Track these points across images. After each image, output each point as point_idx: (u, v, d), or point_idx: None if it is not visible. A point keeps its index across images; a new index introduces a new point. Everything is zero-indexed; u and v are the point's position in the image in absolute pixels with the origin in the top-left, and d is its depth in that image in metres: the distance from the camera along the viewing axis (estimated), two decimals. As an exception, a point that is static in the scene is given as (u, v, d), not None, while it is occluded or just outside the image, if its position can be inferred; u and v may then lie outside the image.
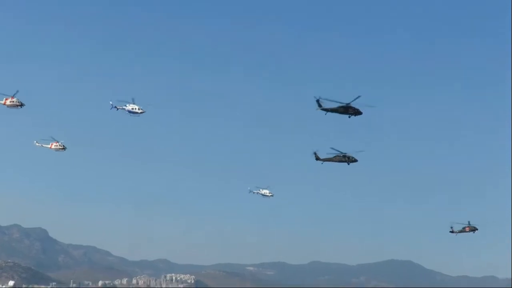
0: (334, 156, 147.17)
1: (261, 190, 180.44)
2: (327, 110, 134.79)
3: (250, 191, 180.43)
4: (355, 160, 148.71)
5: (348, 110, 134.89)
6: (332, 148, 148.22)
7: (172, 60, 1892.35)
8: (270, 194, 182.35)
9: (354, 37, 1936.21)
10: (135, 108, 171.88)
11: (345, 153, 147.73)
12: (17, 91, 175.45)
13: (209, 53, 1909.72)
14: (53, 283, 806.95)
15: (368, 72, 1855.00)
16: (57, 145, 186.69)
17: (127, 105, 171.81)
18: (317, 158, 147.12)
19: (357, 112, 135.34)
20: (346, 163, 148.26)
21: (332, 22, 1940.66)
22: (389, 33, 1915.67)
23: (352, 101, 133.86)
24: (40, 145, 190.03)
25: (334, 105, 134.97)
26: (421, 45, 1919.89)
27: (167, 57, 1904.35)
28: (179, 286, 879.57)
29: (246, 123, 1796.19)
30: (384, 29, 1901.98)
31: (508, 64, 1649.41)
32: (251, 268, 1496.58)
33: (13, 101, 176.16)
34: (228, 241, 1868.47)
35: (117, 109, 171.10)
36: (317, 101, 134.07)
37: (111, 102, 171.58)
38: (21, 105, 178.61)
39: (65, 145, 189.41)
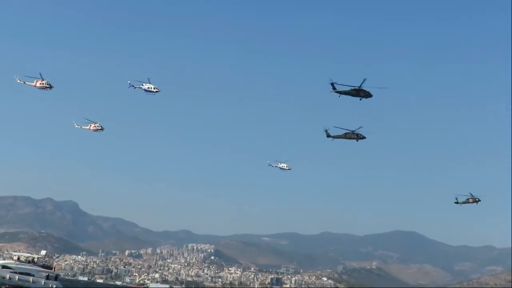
0: (344, 133, 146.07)
1: (279, 163, 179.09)
2: (340, 92, 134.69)
3: (269, 165, 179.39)
4: (364, 137, 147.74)
5: (359, 92, 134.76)
6: (337, 127, 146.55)
7: (197, 40, 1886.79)
8: (288, 168, 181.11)
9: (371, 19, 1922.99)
10: (151, 87, 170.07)
11: (354, 130, 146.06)
12: (40, 74, 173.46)
13: (236, 33, 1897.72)
14: (83, 252, 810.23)
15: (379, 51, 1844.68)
16: (95, 126, 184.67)
17: (144, 84, 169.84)
18: (328, 135, 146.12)
19: (368, 95, 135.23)
20: (355, 140, 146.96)
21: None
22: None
23: (361, 84, 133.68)
24: (79, 126, 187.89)
25: (347, 88, 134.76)
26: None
27: (189, 38, 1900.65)
28: (199, 255, 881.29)
29: (266, 103, 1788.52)
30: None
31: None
32: (266, 238, 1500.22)
33: (43, 83, 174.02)
34: (245, 213, 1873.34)
35: (134, 87, 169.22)
36: (332, 84, 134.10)
37: (129, 81, 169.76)
38: (51, 87, 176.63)
39: (102, 126, 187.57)
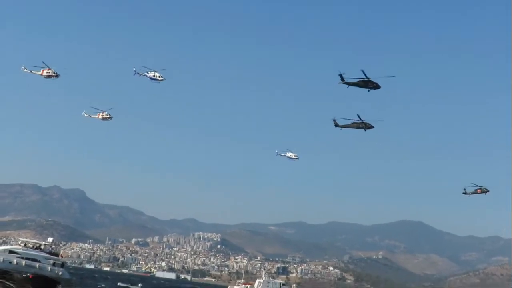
0: (352, 123, 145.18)
1: (287, 153, 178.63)
2: (348, 84, 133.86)
3: (277, 154, 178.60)
4: (372, 127, 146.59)
5: (367, 84, 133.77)
6: (345, 119, 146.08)
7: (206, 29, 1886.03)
8: (296, 157, 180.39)
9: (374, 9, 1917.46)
10: (156, 76, 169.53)
11: (362, 120, 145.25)
12: (44, 63, 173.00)
13: (235, 22, 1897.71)
14: (90, 240, 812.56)
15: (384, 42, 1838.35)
16: (104, 115, 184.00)
17: (149, 72, 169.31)
18: (336, 125, 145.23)
19: (376, 86, 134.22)
20: (363, 129, 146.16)
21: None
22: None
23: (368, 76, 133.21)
24: (88, 115, 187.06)
25: (355, 80, 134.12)
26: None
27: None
28: (206, 243, 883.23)
29: (274, 93, 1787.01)
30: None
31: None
32: (273, 228, 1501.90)
33: (49, 72, 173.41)
34: (252, 202, 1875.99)
35: (140, 75, 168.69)
36: (340, 75, 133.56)
37: (134, 69, 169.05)
38: (57, 75, 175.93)
39: (111, 115, 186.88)
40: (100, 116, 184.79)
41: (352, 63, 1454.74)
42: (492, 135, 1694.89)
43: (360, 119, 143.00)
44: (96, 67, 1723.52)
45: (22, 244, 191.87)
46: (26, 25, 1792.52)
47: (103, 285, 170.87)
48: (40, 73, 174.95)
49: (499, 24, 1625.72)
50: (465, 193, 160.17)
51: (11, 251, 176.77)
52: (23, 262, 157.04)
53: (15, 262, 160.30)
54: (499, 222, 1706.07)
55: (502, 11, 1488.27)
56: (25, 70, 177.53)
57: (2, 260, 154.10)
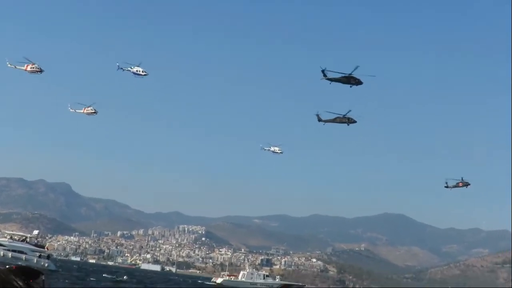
0: (335, 118, 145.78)
1: (271, 147, 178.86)
2: (331, 79, 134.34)
3: (262, 148, 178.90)
4: (355, 121, 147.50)
5: (350, 80, 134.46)
6: (329, 112, 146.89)
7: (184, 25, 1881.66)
8: (280, 151, 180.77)
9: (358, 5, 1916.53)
10: (139, 71, 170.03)
11: (345, 115, 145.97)
12: (27, 58, 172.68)
13: (213, 18, 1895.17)
14: (76, 233, 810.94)
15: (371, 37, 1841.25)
16: (88, 110, 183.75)
17: (132, 67, 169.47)
18: (320, 120, 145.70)
19: (358, 82, 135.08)
20: (346, 124, 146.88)
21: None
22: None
23: (352, 71, 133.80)
24: (73, 110, 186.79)
25: (338, 76, 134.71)
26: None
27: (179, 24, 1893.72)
28: (191, 236, 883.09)
29: (258, 89, 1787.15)
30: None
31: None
32: (256, 220, 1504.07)
33: (33, 67, 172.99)
34: (236, 196, 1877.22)
35: (123, 70, 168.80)
36: (323, 71, 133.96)
37: (117, 64, 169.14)
38: (41, 70, 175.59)
39: (96, 109, 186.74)
40: (85, 111, 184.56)
41: (349, 61, 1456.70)
42: (473, 132, 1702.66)
43: (343, 114, 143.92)
44: (92, 66, 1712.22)
45: (8, 237, 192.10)
46: (6, 19, 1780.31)
47: (92, 279, 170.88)
48: (24, 68, 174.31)
49: (499, 23, 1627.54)
50: (447, 187, 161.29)
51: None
52: (9, 254, 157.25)
53: (1, 254, 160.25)
54: (479, 215, 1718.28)
55: (502, 10, 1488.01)
56: (10, 65, 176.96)
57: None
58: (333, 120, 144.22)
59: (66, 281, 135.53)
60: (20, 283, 3.89)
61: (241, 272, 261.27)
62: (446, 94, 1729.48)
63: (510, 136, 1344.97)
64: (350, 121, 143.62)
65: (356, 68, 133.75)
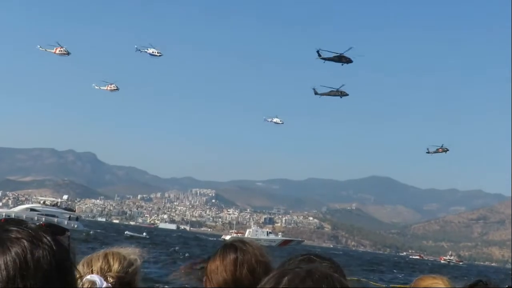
0: (330, 91, 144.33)
1: (274, 118, 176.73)
2: (325, 59, 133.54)
3: (265, 120, 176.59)
4: (346, 94, 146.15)
5: (341, 59, 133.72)
6: (324, 86, 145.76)
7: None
8: (281, 122, 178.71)
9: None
10: (155, 52, 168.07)
11: (338, 88, 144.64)
12: (58, 43, 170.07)
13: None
14: (101, 197, 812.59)
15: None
16: (111, 87, 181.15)
17: (148, 48, 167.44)
18: (316, 93, 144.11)
19: (348, 61, 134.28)
20: (339, 97, 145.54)
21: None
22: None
23: (345, 51, 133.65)
24: (98, 87, 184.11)
25: (330, 55, 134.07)
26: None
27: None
28: (202, 198, 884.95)
29: (264, 64, 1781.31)
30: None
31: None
32: (260, 184, 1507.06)
33: (61, 50, 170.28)
34: (242, 162, 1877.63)
35: (141, 51, 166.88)
36: (317, 51, 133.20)
37: (136, 46, 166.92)
38: (68, 53, 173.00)
39: (118, 86, 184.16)
40: (108, 88, 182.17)
41: (333, 40, 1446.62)
42: (455, 100, 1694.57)
43: (336, 88, 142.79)
44: (109, 47, 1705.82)
45: (42, 202, 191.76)
46: (39, 7, 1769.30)
47: (113, 234, 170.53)
48: (53, 51, 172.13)
49: (499, 23, 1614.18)
50: (428, 153, 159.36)
51: (32, 209, 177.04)
52: (43, 218, 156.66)
53: (36, 219, 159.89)
54: (456, 176, 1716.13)
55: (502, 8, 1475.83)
56: (41, 48, 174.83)
57: (24, 218, 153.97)
58: (328, 94, 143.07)
59: (91, 234, 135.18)
60: (49, 238, 3.84)
61: (247, 230, 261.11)
62: (432, 61, 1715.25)
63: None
64: (342, 94, 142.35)
65: (349, 49, 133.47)
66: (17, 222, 4.16)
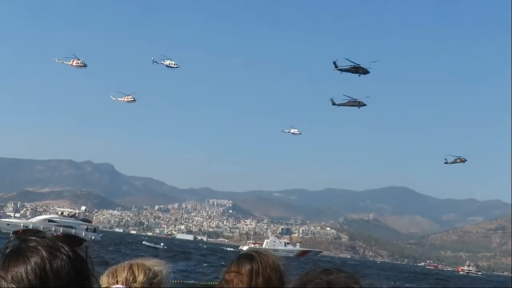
0: (347, 101, 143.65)
1: (291, 129, 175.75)
2: (341, 70, 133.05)
3: (282, 131, 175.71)
4: (364, 104, 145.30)
5: (358, 70, 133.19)
6: (344, 95, 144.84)
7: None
8: (298, 132, 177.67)
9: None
10: (171, 63, 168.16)
11: (356, 99, 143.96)
12: (74, 55, 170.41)
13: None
14: (119, 208, 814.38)
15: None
16: (128, 98, 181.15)
17: (165, 60, 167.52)
18: (333, 103, 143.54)
19: (365, 72, 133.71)
20: (357, 107, 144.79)
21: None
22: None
23: (372, 62, 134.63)
24: (115, 98, 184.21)
25: (347, 66, 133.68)
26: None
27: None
28: (219, 209, 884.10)
29: (284, 74, 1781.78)
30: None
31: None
32: (277, 194, 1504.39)
33: (78, 62, 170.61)
34: (259, 172, 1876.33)
35: (157, 63, 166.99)
36: (334, 63, 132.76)
37: (152, 58, 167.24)
38: (85, 65, 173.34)
39: (135, 98, 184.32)
40: (125, 99, 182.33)
41: (356, 52, 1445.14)
42: (473, 110, 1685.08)
43: (354, 98, 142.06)
44: (126, 58, 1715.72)
45: (60, 213, 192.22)
46: (59, 19, 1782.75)
47: (145, 241, 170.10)
48: (70, 63, 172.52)
49: (499, 22, 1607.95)
50: (446, 163, 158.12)
51: (49, 220, 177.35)
52: (61, 229, 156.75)
53: (53, 230, 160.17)
54: (474, 187, 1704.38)
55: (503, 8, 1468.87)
56: (58, 60, 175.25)
57: (42, 229, 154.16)
58: (346, 104, 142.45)
59: (109, 248, 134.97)
60: (66, 248, 4.15)
61: (265, 240, 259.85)
62: (448, 71, 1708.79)
63: None
64: (360, 104, 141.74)
65: (374, 61, 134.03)
66: (35, 232, 4.34)
